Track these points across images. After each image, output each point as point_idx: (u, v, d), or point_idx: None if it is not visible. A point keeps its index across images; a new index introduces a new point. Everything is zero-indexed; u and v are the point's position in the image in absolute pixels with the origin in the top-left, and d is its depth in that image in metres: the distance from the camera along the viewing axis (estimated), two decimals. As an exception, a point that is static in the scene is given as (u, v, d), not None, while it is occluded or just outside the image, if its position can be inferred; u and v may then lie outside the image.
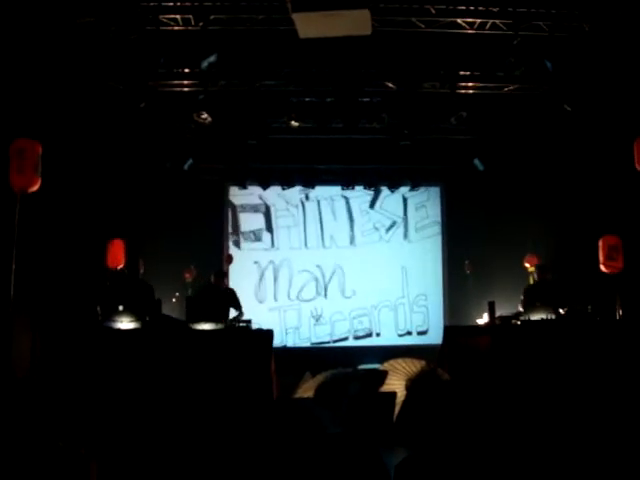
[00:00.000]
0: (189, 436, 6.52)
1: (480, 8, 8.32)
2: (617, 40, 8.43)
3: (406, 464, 2.93)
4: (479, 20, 8.41)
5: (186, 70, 9.43)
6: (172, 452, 6.33)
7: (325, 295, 12.66)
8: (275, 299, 12.60)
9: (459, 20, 8.42)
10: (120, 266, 9.66)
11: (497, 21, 8.39)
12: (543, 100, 9.88)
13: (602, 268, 9.24)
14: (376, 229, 12.95)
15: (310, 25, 5.47)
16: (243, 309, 8.84)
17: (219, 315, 8.08)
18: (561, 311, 7.72)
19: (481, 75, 9.75)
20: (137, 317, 7.21)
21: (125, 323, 7.12)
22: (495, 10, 8.32)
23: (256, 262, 12.66)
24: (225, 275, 9.23)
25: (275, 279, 12.66)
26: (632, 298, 8.77)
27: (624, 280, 9.08)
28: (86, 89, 9.08)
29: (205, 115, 9.61)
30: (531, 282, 10.50)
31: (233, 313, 8.59)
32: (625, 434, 6.21)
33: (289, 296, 12.62)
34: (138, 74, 9.08)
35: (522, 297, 8.13)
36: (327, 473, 3.99)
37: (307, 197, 12.82)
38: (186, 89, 9.75)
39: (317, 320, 12.49)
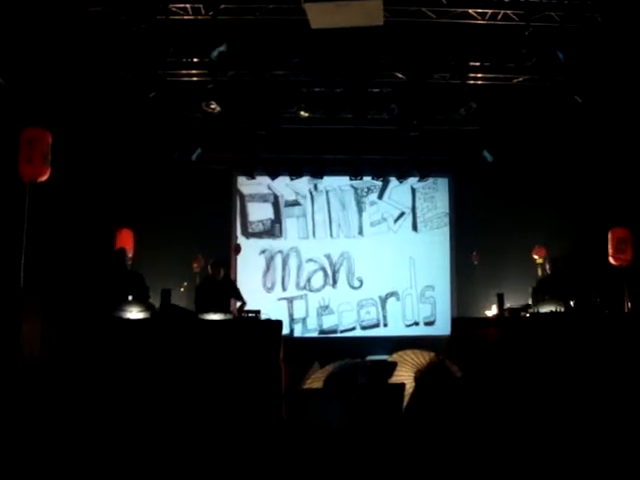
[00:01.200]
0: (199, 425, 6.55)
1: (492, -2, 8.27)
2: (630, 31, 8.37)
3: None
4: (490, 11, 8.35)
5: (195, 60, 9.41)
6: (182, 442, 6.36)
7: (333, 285, 12.67)
8: (283, 289, 12.61)
9: (470, 10, 8.36)
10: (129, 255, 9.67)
11: (509, 12, 8.34)
12: (554, 91, 9.82)
13: (611, 260, 9.24)
14: (384, 220, 12.93)
15: (322, 15, 5.44)
16: (245, 299, 8.86)
17: (223, 305, 8.09)
18: (571, 303, 7.70)
19: (491, 66, 9.70)
20: (146, 307, 7.22)
21: (134, 313, 7.13)
22: (507, 0, 8.25)
23: (264, 251, 12.67)
24: (222, 265, 9.13)
25: (283, 268, 12.67)
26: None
27: (633, 272, 9.07)
28: (95, 78, 9.08)
29: (214, 105, 9.60)
30: (540, 274, 10.49)
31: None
32: (633, 426, 6.21)
33: (297, 285, 12.64)
34: (147, 63, 9.06)
35: (531, 290, 8.12)
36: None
37: (316, 187, 12.80)
38: (195, 79, 9.73)
39: (325, 310, 12.52)
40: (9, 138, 7.19)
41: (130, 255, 8.91)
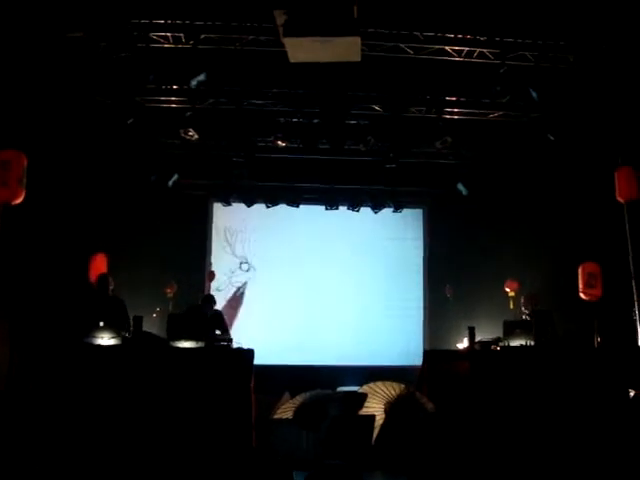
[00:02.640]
0: (169, 454, 6.49)
1: (468, 36, 8.44)
2: (601, 71, 8.59)
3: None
4: (467, 48, 8.53)
5: (175, 87, 9.47)
6: (152, 470, 6.29)
7: (305, 315, 12.66)
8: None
9: (447, 47, 8.54)
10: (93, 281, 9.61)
11: (484, 50, 8.53)
12: (527, 128, 10.03)
13: (581, 295, 9.34)
14: (357, 250, 12.98)
15: (301, 50, 5.51)
16: (229, 332, 8.84)
17: (200, 333, 8.03)
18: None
19: (467, 101, 9.90)
20: (117, 333, 7.16)
21: (105, 339, 7.07)
22: (483, 39, 8.45)
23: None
24: (214, 301, 9.19)
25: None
26: (610, 325, 8.86)
27: (603, 307, 9.18)
28: (73, 103, 9.07)
29: (192, 132, 9.65)
30: (511, 307, 10.58)
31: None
32: (602, 460, 6.27)
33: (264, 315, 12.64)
34: (126, 90, 9.09)
35: (503, 323, 8.18)
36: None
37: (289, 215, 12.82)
38: (174, 105, 9.78)
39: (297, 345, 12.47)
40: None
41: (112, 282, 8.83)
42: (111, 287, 8.30)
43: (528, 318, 8.50)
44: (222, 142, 10.32)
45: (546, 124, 9.57)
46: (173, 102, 9.74)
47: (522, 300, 8.99)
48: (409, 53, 8.53)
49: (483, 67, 8.73)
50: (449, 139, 10.00)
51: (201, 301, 8.96)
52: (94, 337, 7.04)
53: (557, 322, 8.00)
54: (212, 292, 11.85)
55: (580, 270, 9.44)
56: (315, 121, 10.19)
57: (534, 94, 8.70)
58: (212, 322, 8.73)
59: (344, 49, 5.47)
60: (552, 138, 9.48)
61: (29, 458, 6.22)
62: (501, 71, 8.58)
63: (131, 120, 9.23)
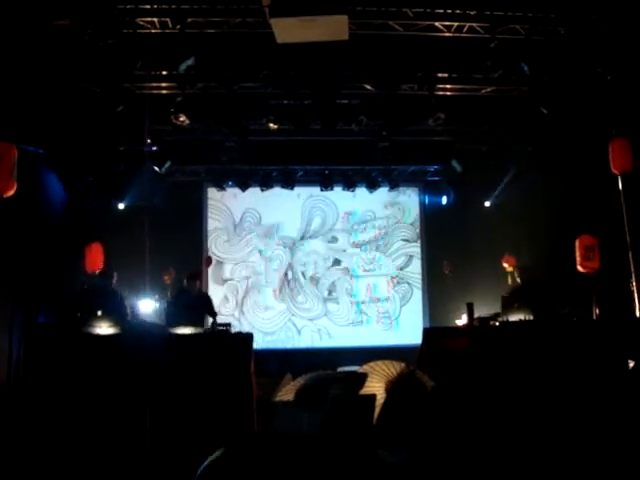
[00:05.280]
0: (171, 439, 6.51)
1: (457, 11, 8.35)
2: (592, 43, 8.53)
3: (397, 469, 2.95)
4: (456, 23, 8.44)
5: (164, 73, 9.39)
6: (155, 455, 6.31)
7: (305, 296, 12.69)
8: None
9: (436, 23, 8.45)
10: (97, 270, 9.61)
11: (474, 24, 8.43)
12: (520, 102, 9.97)
13: (579, 268, 9.35)
14: (356, 228, 12.99)
15: (287, 30, 5.46)
16: (217, 316, 8.81)
17: (196, 319, 8.04)
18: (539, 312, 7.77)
19: (459, 77, 9.82)
20: (116, 322, 7.16)
21: (104, 328, 7.06)
22: (472, 13, 8.35)
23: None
24: (198, 277, 9.12)
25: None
26: (608, 297, 8.88)
27: (600, 280, 9.19)
28: (63, 91, 9.00)
29: (183, 117, 9.59)
30: (510, 282, 10.59)
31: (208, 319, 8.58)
32: (603, 432, 6.29)
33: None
34: (115, 76, 9.01)
35: (501, 298, 8.18)
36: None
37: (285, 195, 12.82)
38: (164, 91, 9.70)
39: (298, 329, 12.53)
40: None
41: (115, 276, 8.80)
42: (114, 280, 8.31)
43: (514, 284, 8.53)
44: (214, 127, 10.24)
45: (539, 97, 9.51)
46: (163, 88, 9.66)
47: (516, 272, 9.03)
48: (398, 30, 8.44)
49: (473, 42, 8.63)
50: (442, 116, 9.94)
51: (186, 281, 8.88)
52: (92, 326, 7.03)
53: (551, 294, 8.00)
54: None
55: (577, 243, 9.44)
56: (306, 102, 10.12)
57: (525, 68, 8.63)
58: (201, 304, 8.70)
59: (331, 28, 5.42)
60: (545, 111, 9.42)
61: (32, 447, 6.24)
62: (492, 45, 8.50)
63: (121, 107, 9.16)
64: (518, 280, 8.88)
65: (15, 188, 7.07)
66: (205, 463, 1.54)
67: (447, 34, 8.55)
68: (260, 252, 12.75)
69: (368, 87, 9.96)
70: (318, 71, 9.48)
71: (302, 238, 12.88)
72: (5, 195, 6.98)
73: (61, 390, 6.66)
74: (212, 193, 12.76)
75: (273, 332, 12.49)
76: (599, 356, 7.14)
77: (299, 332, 12.54)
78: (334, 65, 9.38)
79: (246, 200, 12.73)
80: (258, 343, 10.85)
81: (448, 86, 9.94)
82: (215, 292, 12.19)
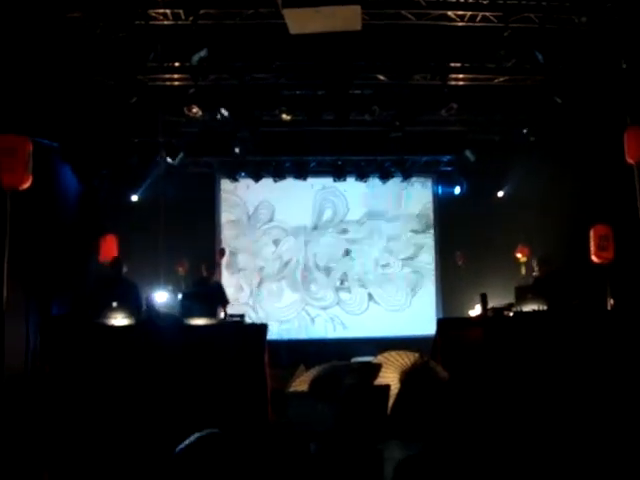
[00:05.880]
0: (186, 429, 6.55)
1: (470, 0, 8.31)
2: (607, 32, 8.45)
3: (407, 464, 2.95)
4: (469, 12, 8.40)
5: (176, 64, 9.39)
6: (169, 445, 6.35)
7: (317, 286, 12.73)
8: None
9: (449, 12, 8.41)
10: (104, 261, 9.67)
11: (487, 13, 8.39)
12: (534, 91, 9.90)
13: (593, 258, 9.30)
14: (367, 219, 12.99)
15: (300, 21, 5.45)
16: (229, 304, 8.89)
17: (211, 310, 8.08)
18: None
19: (472, 67, 9.76)
20: (130, 313, 7.20)
21: (119, 319, 7.11)
22: (485, 2, 8.30)
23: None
24: (215, 268, 9.23)
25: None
26: (623, 288, 8.82)
27: (615, 270, 9.13)
28: (76, 84, 9.03)
29: (196, 109, 9.59)
30: (523, 272, 10.56)
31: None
32: (617, 424, 6.27)
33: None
34: (128, 69, 9.02)
35: (515, 289, 8.15)
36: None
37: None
38: (177, 83, 9.71)
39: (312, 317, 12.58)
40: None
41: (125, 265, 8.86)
42: (124, 270, 8.35)
43: (536, 275, 8.47)
44: (226, 118, 10.24)
45: (553, 87, 9.44)
46: (175, 79, 9.67)
47: (534, 263, 8.94)
48: (411, 19, 8.41)
49: (487, 31, 8.58)
50: (455, 105, 9.89)
51: (205, 270, 8.96)
52: (107, 318, 7.08)
53: (569, 286, 7.97)
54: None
55: (592, 233, 9.38)
56: (319, 93, 10.10)
57: (540, 56, 8.56)
58: (215, 293, 8.79)
59: (344, 18, 5.41)
60: (559, 101, 9.36)
61: (49, 436, 6.30)
62: (505, 34, 8.43)
63: (134, 99, 9.17)
64: (536, 270, 8.76)
65: (30, 181, 7.10)
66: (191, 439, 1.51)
67: (460, 23, 8.51)
68: (274, 242, 12.78)
69: (381, 77, 9.93)
70: (331, 61, 9.45)
71: (315, 229, 12.89)
72: (21, 188, 7.01)
73: (77, 380, 6.72)
74: (225, 184, 12.80)
75: (288, 320, 12.54)
76: (613, 347, 7.11)
77: (312, 321, 12.59)
78: (347, 55, 9.35)
79: (259, 191, 12.74)
80: (273, 332, 10.98)
81: (461, 76, 9.89)
82: (230, 281, 12.30)
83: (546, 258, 8.94)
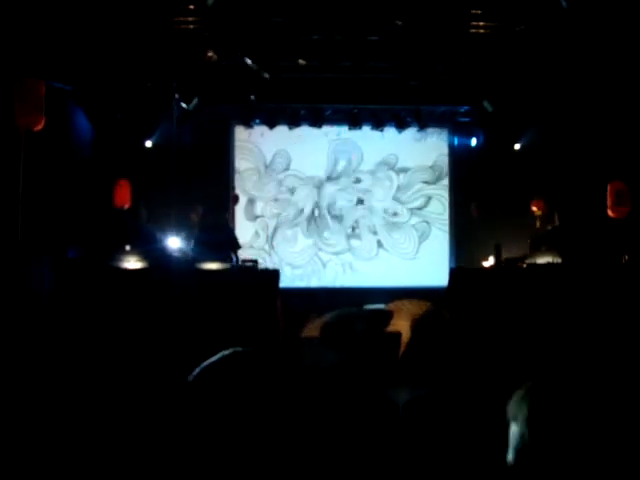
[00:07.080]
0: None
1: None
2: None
3: (414, 404, 2.96)
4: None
5: (191, 7, 9.23)
6: (180, 393, 6.44)
7: (330, 232, 12.77)
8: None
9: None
10: (126, 206, 9.69)
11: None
12: (556, 40, 9.67)
13: (609, 212, 9.25)
14: (383, 169, 12.93)
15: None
16: (240, 248, 8.93)
17: (224, 255, 8.13)
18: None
19: (493, 14, 9.52)
20: (144, 257, 7.25)
21: (132, 262, 7.16)
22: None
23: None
24: (229, 210, 9.26)
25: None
26: (637, 243, 8.78)
27: (630, 225, 9.09)
28: (89, 28, 8.91)
29: (211, 53, 9.47)
30: (538, 225, 10.50)
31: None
32: (628, 379, 6.29)
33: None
34: (142, 11, 8.87)
35: (530, 241, 8.13)
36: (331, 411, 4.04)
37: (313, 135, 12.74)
38: (191, 26, 9.55)
39: (324, 262, 12.65)
40: (3, 88, 7.11)
41: (145, 213, 8.91)
42: (144, 218, 8.39)
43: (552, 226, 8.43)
44: (241, 63, 10.09)
45: (576, 35, 9.21)
46: (190, 22, 9.51)
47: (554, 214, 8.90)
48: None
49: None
50: (474, 54, 9.70)
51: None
52: (121, 261, 7.13)
53: (584, 238, 7.93)
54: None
55: (609, 188, 9.33)
56: (337, 38, 9.91)
57: (564, 3, 8.34)
58: (228, 238, 8.84)
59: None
60: (582, 49, 9.15)
61: (63, 380, 6.39)
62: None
63: (148, 43, 9.06)
64: (555, 220, 8.71)
65: (43, 123, 7.08)
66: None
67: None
68: (290, 191, 12.77)
69: (399, 23, 9.71)
70: (348, 6, 9.25)
71: (329, 178, 12.83)
72: (34, 129, 7.00)
73: (90, 323, 6.79)
74: (239, 132, 12.70)
75: (300, 265, 12.62)
76: (626, 301, 7.10)
77: (324, 265, 12.68)
78: (365, 1, 9.15)
79: (274, 139, 12.65)
80: (286, 276, 11.02)
81: (481, 23, 9.66)
82: (247, 228, 12.40)
83: (560, 210, 8.91)
